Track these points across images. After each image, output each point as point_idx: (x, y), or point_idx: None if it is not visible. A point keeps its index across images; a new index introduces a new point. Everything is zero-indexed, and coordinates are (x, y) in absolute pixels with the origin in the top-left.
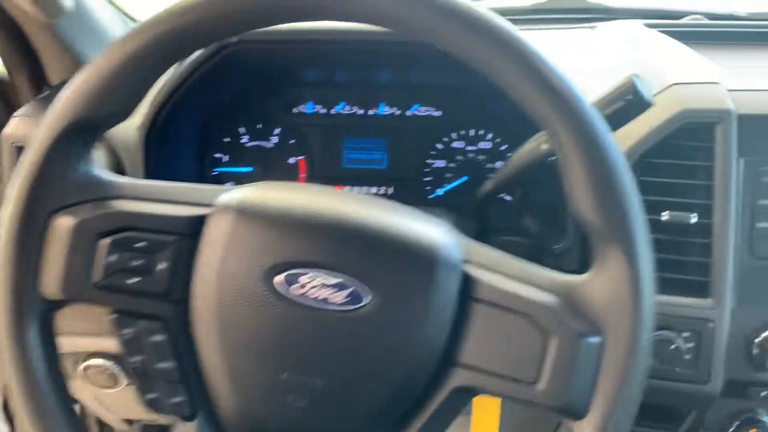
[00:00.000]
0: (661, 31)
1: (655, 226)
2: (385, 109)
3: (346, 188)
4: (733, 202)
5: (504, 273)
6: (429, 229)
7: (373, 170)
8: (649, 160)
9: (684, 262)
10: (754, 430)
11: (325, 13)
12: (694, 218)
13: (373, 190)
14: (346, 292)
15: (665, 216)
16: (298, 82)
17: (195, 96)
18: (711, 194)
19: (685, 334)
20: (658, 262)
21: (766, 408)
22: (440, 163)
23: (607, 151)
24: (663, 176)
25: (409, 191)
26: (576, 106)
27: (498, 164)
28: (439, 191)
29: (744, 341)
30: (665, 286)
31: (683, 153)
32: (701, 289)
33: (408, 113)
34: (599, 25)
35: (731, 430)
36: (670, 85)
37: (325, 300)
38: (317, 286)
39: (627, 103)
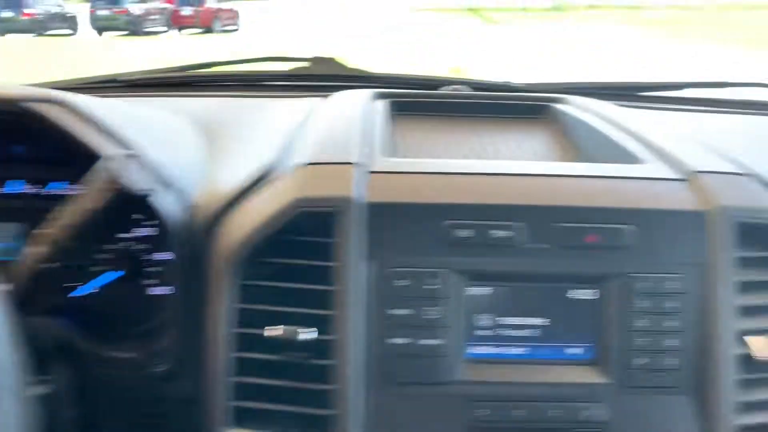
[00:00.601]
0: (397, 101)
1: (265, 344)
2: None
3: None
4: (359, 313)
5: None
6: None
7: None
8: (260, 260)
9: (300, 391)
10: None
11: None
12: (311, 334)
13: None
14: None
15: (275, 331)
16: None
17: None
18: (331, 303)
19: None
20: (268, 390)
21: None
22: None
23: None
24: (276, 280)
25: None
26: None
27: None
28: None
29: None
30: (278, 420)
31: (299, 251)
32: (323, 426)
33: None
34: (336, 94)
35: None
36: (296, 167)
37: None
38: None
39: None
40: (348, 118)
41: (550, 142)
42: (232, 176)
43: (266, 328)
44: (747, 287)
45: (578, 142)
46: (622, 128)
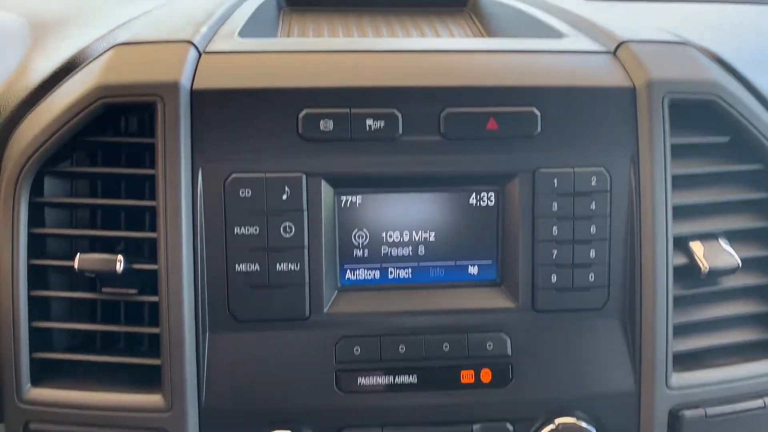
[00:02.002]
0: None
1: (68, 279)
2: None
3: None
4: (190, 235)
5: None
6: None
7: None
8: (55, 170)
9: (116, 337)
10: None
11: None
12: (119, 264)
13: None
14: None
15: (82, 261)
16: None
17: None
18: (152, 223)
19: None
20: (75, 337)
21: None
22: None
23: None
24: (78, 195)
25: None
26: None
27: None
28: None
29: None
30: (91, 374)
31: (108, 157)
32: (147, 380)
33: None
34: None
35: None
36: (112, 47)
37: None
38: None
39: None
40: (212, 2)
41: (469, 31)
42: (39, 68)
43: (79, 256)
44: (682, 182)
45: (500, 27)
46: (550, 8)
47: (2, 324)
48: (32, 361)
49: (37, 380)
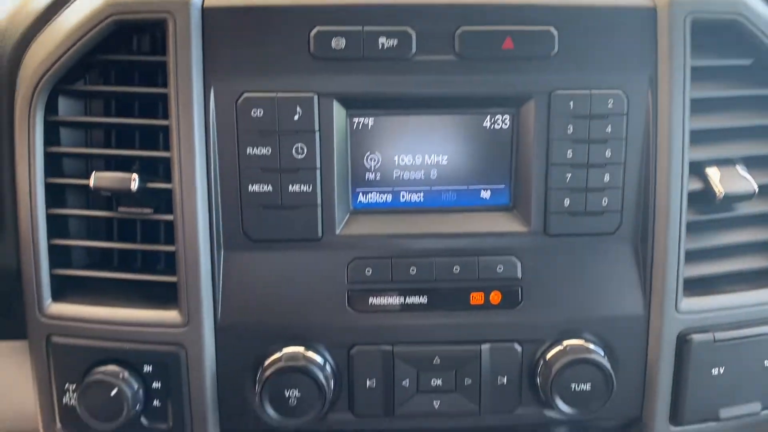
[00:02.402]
0: None
1: (84, 196)
2: None
3: None
4: (203, 155)
5: None
6: None
7: None
8: (69, 89)
9: (132, 254)
10: None
11: None
12: (134, 182)
13: None
14: None
15: (99, 180)
16: None
17: None
18: (166, 142)
19: (147, 369)
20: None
21: None
22: None
23: None
24: (92, 114)
25: None
26: None
27: None
28: None
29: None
30: (108, 291)
31: (120, 76)
32: (163, 297)
33: None
34: None
35: None
36: None
37: None
38: None
39: None
40: None
41: None
42: None
43: (95, 174)
44: (700, 106)
45: None
46: None
47: (23, 241)
48: (52, 277)
49: (57, 296)
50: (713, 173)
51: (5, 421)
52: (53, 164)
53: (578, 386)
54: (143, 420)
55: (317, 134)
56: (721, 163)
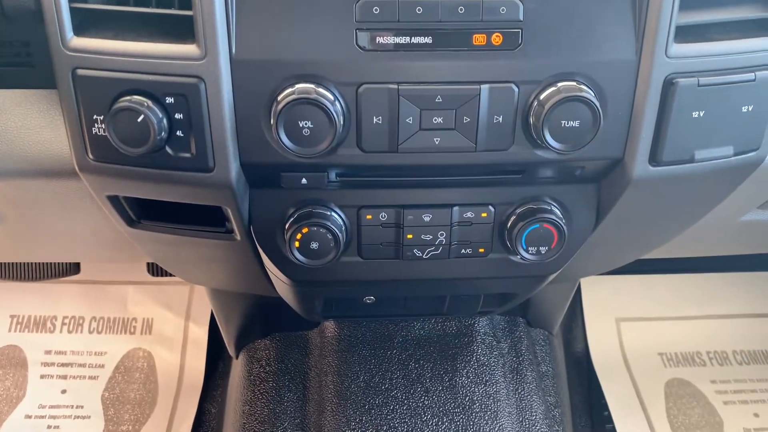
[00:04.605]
0: None
1: None
2: None
3: None
4: None
5: None
6: None
7: None
8: None
9: None
10: None
11: None
12: None
13: None
14: None
15: None
16: None
17: None
18: None
19: (168, 101)
20: None
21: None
22: None
23: None
24: None
25: None
26: None
27: None
28: None
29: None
30: (141, 28)
31: None
32: (184, 30)
33: None
34: None
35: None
36: None
37: None
38: None
39: None
40: None
41: None
42: None
43: None
44: None
45: None
46: None
47: None
48: (72, 11)
49: (79, 31)
50: None
51: (41, 163)
52: None
53: (568, 123)
54: (168, 149)
55: None
56: None
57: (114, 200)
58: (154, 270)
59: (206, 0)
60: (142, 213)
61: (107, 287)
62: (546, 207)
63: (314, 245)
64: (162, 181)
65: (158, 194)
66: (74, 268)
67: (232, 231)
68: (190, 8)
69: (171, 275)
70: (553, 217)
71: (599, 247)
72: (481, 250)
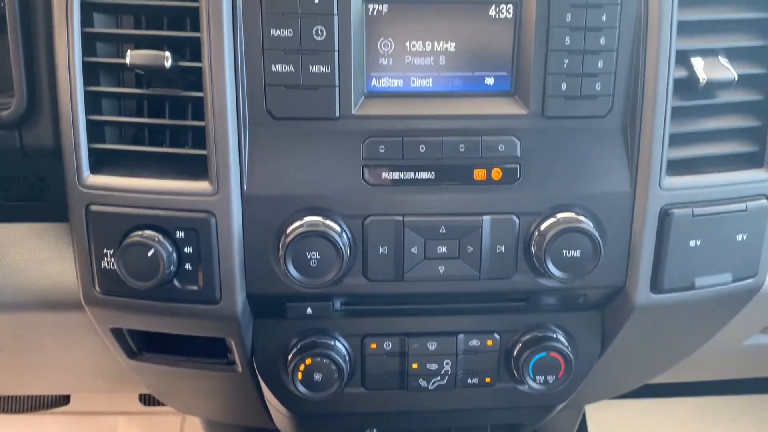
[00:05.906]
0: None
1: (120, 75)
2: None
3: None
4: (230, 35)
5: None
6: None
7: None
8: None
9: (164, 129)
10: None
11: None
12: (167, 60)
13: None
14: None
15: (135, 57)
16: None
17: None
18: (195, 23)
19: (179, 235)
20: (128, 130)
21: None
22: None
23: None
24: None
25: None
26: None
27: None
28: None
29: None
30: (141, 164)
31: None
32: (193, 168)
33: None
34: None
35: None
36: None
37: None
38: None
39: None
40: None
41: None
42: None
43: (130, 52)
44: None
45: None
46: None
47: (62, 117)
48: (90, 151)
49: (95, 169)
50: (697, 62)
51: (47, 293)
52: (88, 46)
53: (569, 252)
54: (176, 282)
55: (335, 17)
56: (705, 53)
57: (117, 332)
58: (146, 399)
59: (221, 140)
60: (143, 345)
61: (97, 418)
62: (551, 335)
63: (317, 377)
64: (167, 313)
65: (162, 326)
66: (64, 398)
67: (233, 362)
68: (204, 148)
69: (163, 404)
70: (560, 345)
71: (605, 374)
72: (488, 379)
